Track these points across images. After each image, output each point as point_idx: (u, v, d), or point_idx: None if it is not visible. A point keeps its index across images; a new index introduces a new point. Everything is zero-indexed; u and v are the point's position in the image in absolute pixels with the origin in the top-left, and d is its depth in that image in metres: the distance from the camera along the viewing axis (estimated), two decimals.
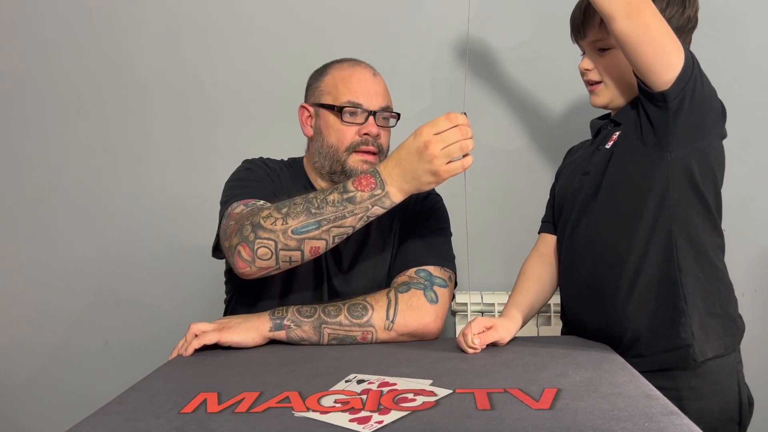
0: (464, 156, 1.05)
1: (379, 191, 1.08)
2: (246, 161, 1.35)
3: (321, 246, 1.11)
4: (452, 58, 1.83)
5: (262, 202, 1.19)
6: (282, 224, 1.08)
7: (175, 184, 1.89)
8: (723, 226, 1.20)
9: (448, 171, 1.05)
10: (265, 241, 1.08)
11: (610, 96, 1.20)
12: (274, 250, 1.09)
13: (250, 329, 1.13)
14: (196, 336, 1.12)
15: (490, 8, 1.79)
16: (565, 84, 1.61)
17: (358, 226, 1.11)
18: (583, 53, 1.24)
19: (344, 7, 1.84)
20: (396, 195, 1.08)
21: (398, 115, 1.33)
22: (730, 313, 1.18)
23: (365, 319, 1.16)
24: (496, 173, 1.84)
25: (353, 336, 1.16)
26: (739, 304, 1.21)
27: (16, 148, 1.93)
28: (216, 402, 0.87)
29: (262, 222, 1.09)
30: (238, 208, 1.18)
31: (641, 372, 0.99)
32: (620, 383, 0.91)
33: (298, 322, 1.15)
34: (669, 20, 1.08)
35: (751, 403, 1.18)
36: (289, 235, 1.08)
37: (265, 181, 1.28)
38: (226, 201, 1.23)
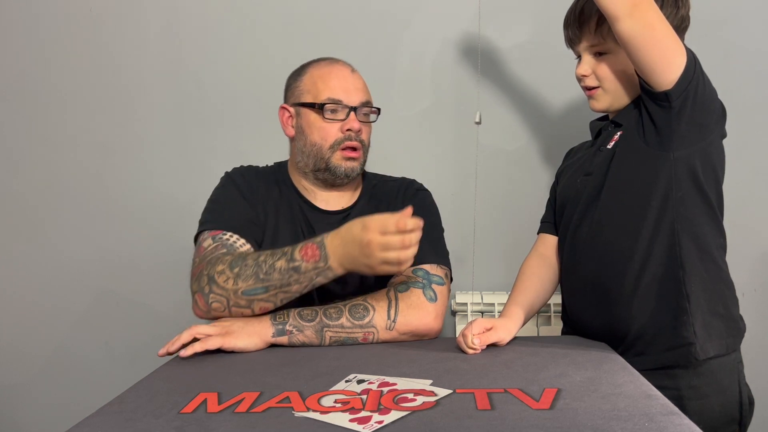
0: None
1: (322, 264, 1.11)
2: (225, 175, 1.35)
3: (269, 306, 1.15)
4: (452, 58, 1.82)
5: (228, 234, 1.22)
6: (233, 284, 1.13)
7: (176, 184, 1.89)
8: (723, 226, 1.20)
9: (383, 270, 1.07)
10: (218, 296, 1.14)
11: (609, 100, 1.21)
12: (226, 306, 1.14)
13: (252, 334, 1.14)
14: (198, 340, 1.12)
15: (491, 8, 1.79)
16: (567, 83, 1.61)
17: (305, 291, 1.15)
18: (578, 58, 1.24)
19: (344, 7, 1.84)
20: (338, 269, 1.11)
21: (378, 109, 1.33)
22: (732, 314, 1.19)
23: (367, 320, 1.16)
24: (497, 173, 1.84)
25: (355, 337, 1.16)
26: (740, 304, 1.21)
27: (16, 148, 1.93)
28: (216, 402, 0.87)
29: (216, 278, 1.14)
30: (206, 242, 1.22)
31: (642, 370, 0.99)
32: (620, 383, 0.91)
33: (300, 327, 1.15)
34: None
35: (751, 403, 1.18)
36: (239, 295, 1.13)
37: (235, 203, 1.29)
38: (201, 225, 1.27)
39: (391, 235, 1.03)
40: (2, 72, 1.91)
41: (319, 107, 1.26)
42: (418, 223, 1.05)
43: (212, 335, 1.12)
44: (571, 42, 1.23)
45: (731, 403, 1.16)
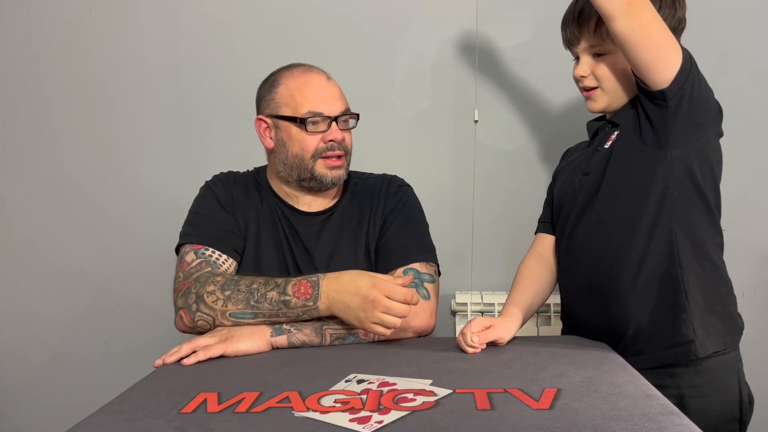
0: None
1: (310, 303, 1.13)
2: (204, 185, 1.36)
3: None
4: (452, 58, 1.82)
5: (211, 250, 1.24)
6: (222, 305, 1.15)
7: (175, 185, 1.89)
8: (723, 226, 1.20)
9: (371, 328, 1.10)
10: (205, 315, 1.16)
11: (607, 101, 1.21)
12: (212, 324, 1.17)
13: (252, 335, 1.14)
14: (198, 350, 1.11)
15: (491, 8, 1.79)
16: (566, 83, 1.61)
17: (290, 322, 1.17)
18: (575, 60, 1.24)
19: (344, 7, 1.83)
20: (323, 312, 1.14)
21: (357, 115, 1.33)
22: (730, 312, 1.19)
23: None
24: (497, 173, 1.84)
25: (356, 333, 1.17)
26: (739, 304, 1.22)
27: (16, 149, 1.92)
28: (216, 402, 0.87)
29: (205, 297, 1.16)
30: (189, 255, 1.25)
31: (643, 369, 1.00)
32: (620, 383, 0.91)
33: (299, 326, 1.15)
34: None
35: (751, 402, 1.19)
36: (227, 316, 1.15)
37: (215, 214, 1.30)
38: (182, 237, 1.29)
39: (396, 303, 1.08)
40: (1, 71, 1.91)
41: (300, 121, 1.26)
42: (418, 299, 1.12)
43: (213, 345, 1.12)
44: (570, 43, 1.23)
45: (731, 401, 1.16)
